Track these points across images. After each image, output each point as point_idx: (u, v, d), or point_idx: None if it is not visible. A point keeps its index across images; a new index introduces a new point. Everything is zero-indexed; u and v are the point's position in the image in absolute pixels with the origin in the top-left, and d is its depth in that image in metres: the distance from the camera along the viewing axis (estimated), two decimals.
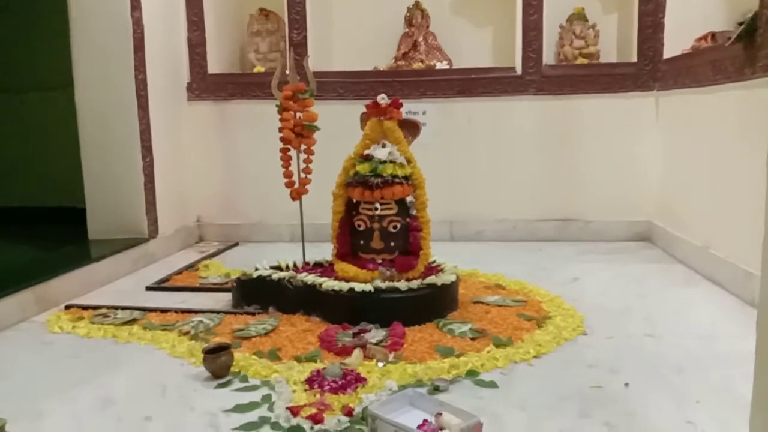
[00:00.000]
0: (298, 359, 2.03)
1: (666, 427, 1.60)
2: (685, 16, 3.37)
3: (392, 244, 2.44)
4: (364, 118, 2.55)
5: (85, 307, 2.60)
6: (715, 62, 2.82)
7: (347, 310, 2.32)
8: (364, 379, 1.84)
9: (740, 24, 2.59)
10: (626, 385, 1.83)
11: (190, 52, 3.87)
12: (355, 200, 2.48)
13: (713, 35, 2.93)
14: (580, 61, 3.80)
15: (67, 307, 2.62)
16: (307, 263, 2.72)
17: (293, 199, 2.78)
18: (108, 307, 2.57)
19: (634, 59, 3.68)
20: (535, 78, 3.73)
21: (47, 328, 2.41)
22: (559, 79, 3.73)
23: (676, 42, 3.39)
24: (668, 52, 3.51)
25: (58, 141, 4.00)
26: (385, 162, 2.41)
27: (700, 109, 3.07)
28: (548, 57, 3.78)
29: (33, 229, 3.85)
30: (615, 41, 3.92)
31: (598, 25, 3.84)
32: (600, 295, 2.69)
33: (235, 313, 2.49)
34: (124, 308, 2.55)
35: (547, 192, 3.81)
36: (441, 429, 1.52)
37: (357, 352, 2.01)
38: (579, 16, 3.84)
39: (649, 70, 3.65)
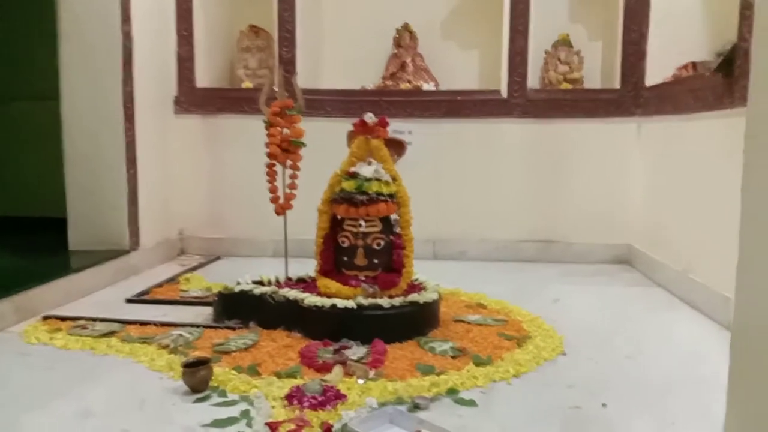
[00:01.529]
0: (278, 375, 2.02)
1: None
2: (667, 46, 3.45)
3: (375, 261, 2.45)
4: (350, 136, 2.57)
5: (63, 318, 2.57)
6: (696, 91, 2.89)
7: (329, 327, 2.31)
8: (344, 396, 1.84)
9: (719, 55, 2.67)
10: (604, 405, 1.85)
11: (179, 66, 3.88)
12: (339, 217, 2.49)
13: (694, 65, 3.01)
14: (565, 86, 3.87)
15: (45, 318, 2.59)
16: (289, 278, 2.71)
17: (278, 214, 2.78)
18: (86, 319, 2.54)
19: (618, 86, 3.76)
20: (520, 101, 3.79)
21: (24, 338, 2.37)
22: (543, 103, 3.79)
23: (658, 70, 3.47)
24: (650, 80, 3.59)
25: (42, 150, 3.98)
26: (370, 179, 2.43)
27: (681, 135, 3.14)
28: (533, 81, 3.85)
29: (13, 239, 3.81)
30: (599, 68, 4.00)
31: (583, 51, 3.92)
32: (580, 317, 2.71)
33: (215, 328, 2.48)
34: (102, 320, 2.52)
35: (530, 213, 3.85)
36: None
37: (337, 369, 2.01)
38: (564, 42, 3.91)
39: (632, 97, 3.72)
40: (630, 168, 3.74)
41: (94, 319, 2.53)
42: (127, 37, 3.31)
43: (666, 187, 3.33)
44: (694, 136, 2.97)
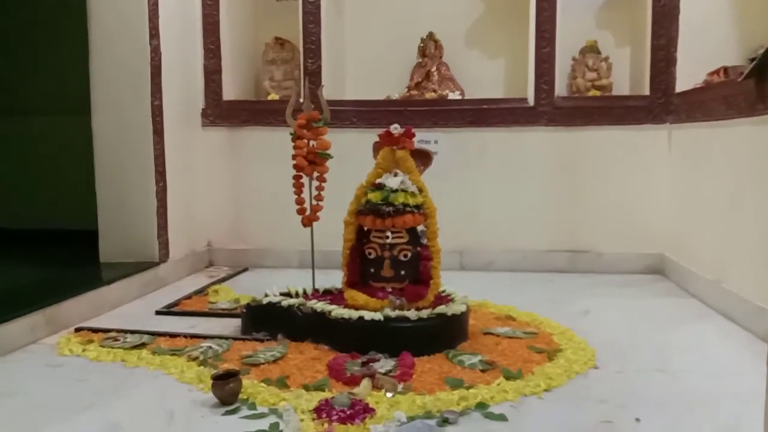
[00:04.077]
0: (307, 387, 2.01)
1: None
2: (697, 51, 3.39)
3: (402, 272, 2.44)
4: (376, 147, 2.57)
5: (95, 330, 2.61)
6: (728, 97, 2.83)
7: (356, 339, 2.30)
8: (373, 410, 1.83)
9: (752, 60, 2.61)
10: (637, 420, 1.81)
11: (206, 79, 3.93)
12: (366, 228, 2.49)
13: (725, 70, 2.95)
14: (593, 93, 3.82)
15: (78, 330, 2.63)
16: (316, 290, 2.72)
17: (305, 225, 2.79)
18: (118, 331, 2.57)
19: (647, 92, 3.70)
20: (548, 109, 3.75)
21: (57, 350, 2.41)
22: (571, 110, 3.75)
23: (688, 76, 3.41)
24: (681, 86, 3.52)
25: (72, 164, 4.05)
26: (396, 191, 2.42)
27: (713, 143, 3.07)
28: (560, 89, 3.81)
29: (45, 251, 3.88)
30: (628, 74, 3.94)
31: (611, 57, 3.87)
32: (611, 329, 2.66)
33: (243, 339, 2.49)
34: (133, 332, 2.55)
35: (558, 223, 3.80)
36: None
37: (365, 382, 1.99)
38: (592, 49, 3.87)
39: (662, 104, 3.66)
40: (660, 176, 3.67)
41: (125, 331, 2.56)
42: (155, 52, 3.36)
43: (698, 195, 3.27)
44: (726, 144, 2.91)
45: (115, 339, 2.49)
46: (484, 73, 4.07)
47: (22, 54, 4.76)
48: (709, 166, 3.12)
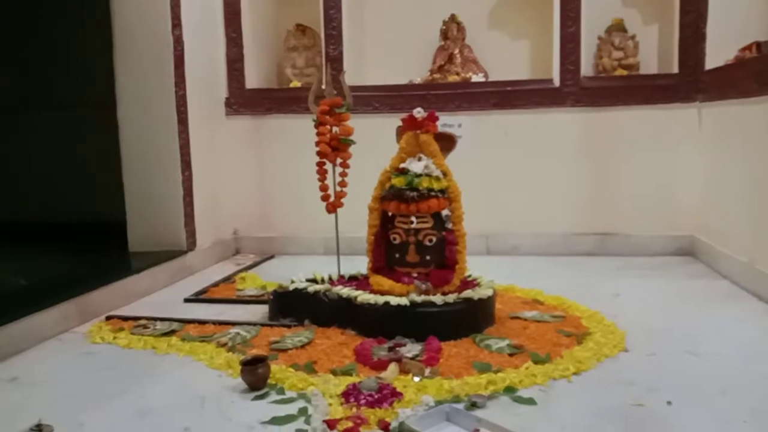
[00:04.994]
0: (334, 372, 2.02)
1: None
2: (727, 26, 3.30)
3: (428, 257, 2.43)
4: (399, 132, 2.55)
5: (126, 318, 2.65)
6: (760, 73, 2.75)
7: (382, 324, 2.30)
8: (400, 394, 1.83)
9: None
10: (669, 403, 1.78)
11: (229, 67, 3.94)
12: (390, 214, 2.48)
13: (758, 45, 2.87)
14: (620, 72, 3.74)
15: (108, 318, 2.67)
16: (342, 276, 2.72)
17: (329, 212, 2.80)
18: (147, 319, 2.61)
19: (676, 70, 3.61)
20: (573, 90, 3.68)
21: (89, 338, 2.46)
22: (597, 91, 3.68)
23: (718, 52, 3.32)
24: (710, 63, 3.44)
25: (99, 156, 4.10)
26: (420, 175, 2.41)
27: (745, 121, 2.99)
28: (586, 69, 3.73)
29: (76, 243, 3.94)
30: (655, 52, 3.85)
31: (638, 36, 3.78)
32: (641, 312, 2.62)
33: (271, 326, 2.51)
34: (163, 320, 2.59)
35: (585, 205, 3.75)
36: None
37: (393, 367, 1.99)
38: (618, 27, 3.79)
39: (691, 81, 3.57)
40: (690, 156, 3.59)
41: (155, 319, 2.60)
42: (177, 42, 3.38)
43: (729, 175, 3.19)
44: (759, 121, 2.82)
45: (145, 326, 2.53)
46: (507, 54, 4.02)
47: (47, 48, 4.83)
48: (741, 145, 3.04)
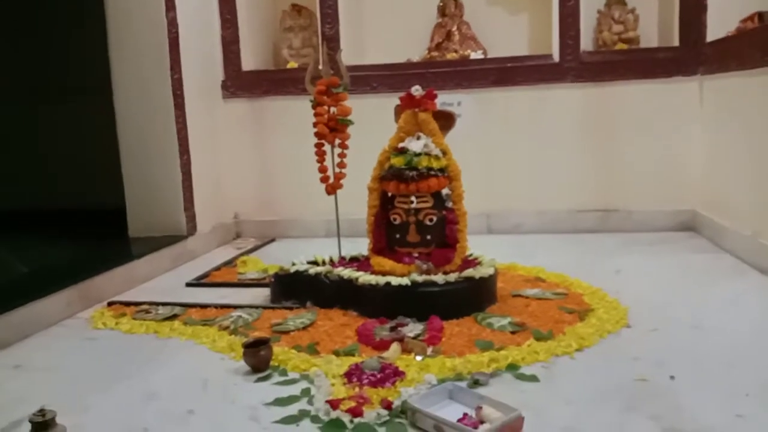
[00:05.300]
0: (337, 353, 2.02)
1: (715, 420, 1.55)
2: None
3: (428, 237, 2.42)
4: (398, 111, 2.53)
5: (128, 304, 2.65)
6: (763, 44, 2.71)
7: (384, 304, 2.30)
8: (403, 373, 1.83)
9: None
10: (672, 378, 1.78)
11: (224, 50, 3.90)
12: (390, 194, 2.47)
13: (760, 15, 2.82)
14: (620, 46, 3.70)
15: (110, 304, 2.67)
16: (343, 258, 2.71)
17: (328, 193, 2.78)
18: (149, 303, 2.61)
19: (676, 43, 3.57)
20: (574, 65, 3.64)
21: (91, 324, 2.46)
22: (598, 65, 3.64)
23: (720, 24, 3.27)
24: (712, 35, 3.39)
25: (98, 143, 4.08)
26: (420, 154, 2.39)
27: (747, 93, 2.96)
28: (586, 43, 3.69)
29: (76, 230, 3.94)
30: (656, 25, 3.81)
31: (638, 9, 3.73)
32: (644, 287, 2.61)
33: (273, 308, 2.51)
34: (165, 304, 2.59)
35: (587, 182, 3.72)
36: (481, 422, 1.50)
37: (395, 346, 1.99)
38: (617, 1, 3.74)
39: (692, 54, 3.53)
40: (692, 130, 3.56)
41: (157, 304, 2.60)
42: (172, 24, 3.34)
43: (731, 148, 3.16)
44: (761, 93, 2.79)
45: (147, 311, 2.53)
46: (506, 30, 3.96)
47: (43, 36, 4.79)
48: (743, 117, 3.01)
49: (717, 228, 3.28)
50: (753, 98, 2.89)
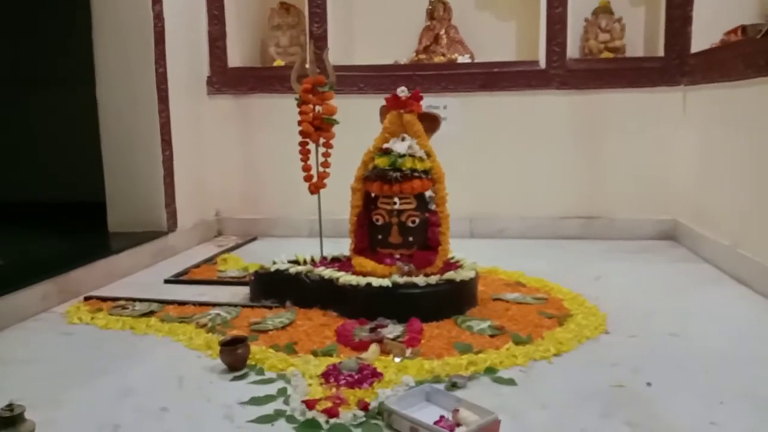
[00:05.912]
0: (315, 353, 2.01)
1: (689, 427, 1.56)
2: (714, 9, 3.29)
3: (410, 239, 2.41)
4: (383, 111, 2.52)
5: (104, 299, 2.61)
6: (746, 56, 2.75)
7: (364, 305, 2.29)
8: (381, 374, 1.82)
9: None
10: (648, 384, 1.78)
11: (211, 45, 3.87)
12: (373, 194, 2.46)
13: (743, 28, 2.85)
14: (606, 55, 3.73)
15: (87, 299, 2.63)
16: (324, 258, 2.70)
17: (311, 193, 2.76)
18: (126, 299, 2.58)
19: (662, 53, 3.61)
20: (560, 72, 3.66)
21: (67, 318, 2.42)
22: (583, 73, 3.66)
23: (704, 36, 3.31)
24: (696, 46, 3.43)
25: (79, 136, 4.03)
26: (404, 156, 2.38)
27: (730, 104, 2.99)
28: (573, 51, 3.72)
29: (55, 223, 3.88)
30: (642, 35, 3.84)
31: (624, 18, 3.76)
32: (624, 294, 2.63)
33: (252, 307, 2.48)
34: (142, 300, 2.55)
35: (571, 188, 3.74)
36: (458, 425, 1.49)
37: (374, 347, 1.98)
38: (605, 9, 3.77)
39: (677, 65, 3.56)
40: (675, 140, 3.59)
41: (134, 300, 2.57)
42: (158, 18, 3.31)
43: (713, 159, 3.20)
44: (744, 104, 2.82)
45: (124, 307, 2.50)
46: (494, 35, 3.97)
47: (24, 25, 4.72)
48: (725, 128, 3.04)
49: (697, 237, 3.31)
50: (736, 109, 2.92)
